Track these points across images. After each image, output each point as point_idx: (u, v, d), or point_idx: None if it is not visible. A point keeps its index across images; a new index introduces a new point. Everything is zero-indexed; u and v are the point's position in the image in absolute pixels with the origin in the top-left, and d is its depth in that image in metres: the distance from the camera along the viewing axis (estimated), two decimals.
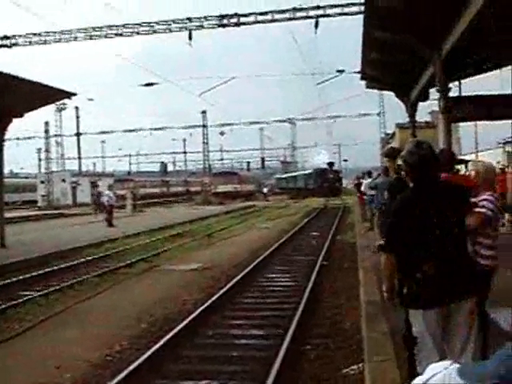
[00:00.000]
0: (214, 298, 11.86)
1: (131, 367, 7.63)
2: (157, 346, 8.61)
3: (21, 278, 15.67)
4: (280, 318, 10.63)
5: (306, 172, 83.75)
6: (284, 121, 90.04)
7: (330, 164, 79.96)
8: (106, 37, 31.41)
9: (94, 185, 57.19)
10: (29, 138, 79.71)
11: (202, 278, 15.30)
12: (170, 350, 8.66)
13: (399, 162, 7.70)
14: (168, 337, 9.08)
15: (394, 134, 55.10)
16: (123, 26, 31.51)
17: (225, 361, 8.33)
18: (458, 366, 1.58)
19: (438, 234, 4.20)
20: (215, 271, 16.38)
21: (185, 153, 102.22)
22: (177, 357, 8.57)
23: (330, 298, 12.41)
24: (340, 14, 28.16)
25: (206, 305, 11.28)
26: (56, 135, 76.76)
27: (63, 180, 66.54)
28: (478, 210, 5.43)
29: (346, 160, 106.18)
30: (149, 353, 8.28)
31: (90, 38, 31.57)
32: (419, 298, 4.18)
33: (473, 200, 5.53)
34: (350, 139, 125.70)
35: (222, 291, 12.61)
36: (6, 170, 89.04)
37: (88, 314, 11.62)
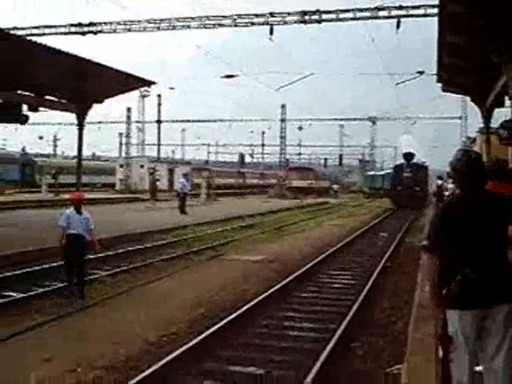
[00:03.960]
0: (272, 290, 12.13)
1: (183, 348, 8.00)
2: (211, 330, 8.94)
3: (91, 257, 16.27)
4: (334, 314, 10.81)
5: (385, 172, 74.68)
6: (365, 119, 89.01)
7: (408, 156, 52.35)
8: (188, 28, 32.08)
9: (150, 172, 57.65)
10: (112, 122, 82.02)
11: (264, 270, 15.56)
12: (223, 336, 8.97)
13: None
14: (223, 323, 9.40)
15: (475, 139, 53.96)
16: (206, 17, 32.14)
17: (274, 350, 8.59)
18: None
19: (479, 240, 4.33)
20: (279, 264, 16.62)
21: (263, 145, 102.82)
22: (229, 343, 8.88)
23: (387, 299, 12.47)
24: (423, 16, 27.95)
25: (263, 295, 11.56)
26: (138, 121, 78.54)
27: (141, 165, 67.93)
28: None
29: (424, 162, 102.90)
30: (202, 336, 8.62)
31: (173, 29, 32.24)
32: (457, 299, 4.30)
33: None
34: (429, 141, 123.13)
35: (281, 284, 12.86)
36: (89, 153, 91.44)
37: (150, 296, 12.11)
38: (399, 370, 7.27)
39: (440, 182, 35.03)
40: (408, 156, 52.23)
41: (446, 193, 27.04)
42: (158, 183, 51.47)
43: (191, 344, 8.23)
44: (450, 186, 26.50)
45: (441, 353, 4.52)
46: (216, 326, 9.17)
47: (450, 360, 4.41)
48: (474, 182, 4.46)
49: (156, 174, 58.82)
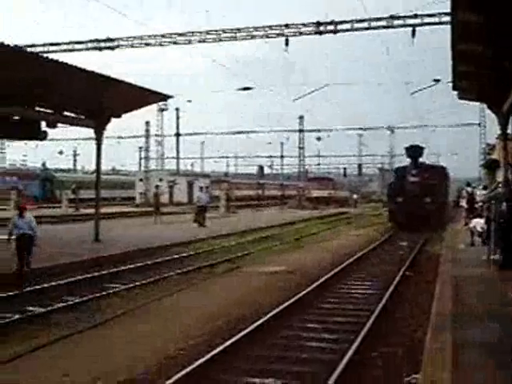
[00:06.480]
0: (290, 301, 12.11)
1: (202, 360, 8.01)
2: (228, 342, 8.94)
3: (109, 271, 16.48)
4: (353, 325, 10.77)
5: None
6: (383, 127, 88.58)
7: (414, 152, 35.74)
8: (204, 41, 32.29)
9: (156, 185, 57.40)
10: (133, 137, 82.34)
11: (283, 281, 15.54)
12: (241, 348, 8.98)
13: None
14: (241, 335, 9.39)
15: (494, 145, 53.62)
16: (222, 31, 32.33)
17: (292, 361, 8.58)
18: None
19: None
20: (297, 275, 16.60)
21: (282, 157, 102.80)
22: (247, 355, 8.87)
23: (407, 309, 12.40)
24: (437, 23, 27.95)
25: (281, 307, 11.54)
26: (157, 135, 78.94)
27: (160, 179, 68.17)
28: None
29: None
30: (220, 348, 8.62)
31: (189, 43, 32.51)
32: None
33: None
34: (447, 149, 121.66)
35: (300, 295, 12.83)
36: (109, 167, 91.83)
37: (168, 309, 12.17)
38: (417, 380, 7.26)
39: (469, 189, 30.58)
40: (414, 151, 35.78)
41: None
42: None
43: (209, 356, 8.23)
44: (482, 192, 25.48)
45: None
46: (234, 338, 9.17)
47: None
48: None
49: (176, 187, 59.01)
